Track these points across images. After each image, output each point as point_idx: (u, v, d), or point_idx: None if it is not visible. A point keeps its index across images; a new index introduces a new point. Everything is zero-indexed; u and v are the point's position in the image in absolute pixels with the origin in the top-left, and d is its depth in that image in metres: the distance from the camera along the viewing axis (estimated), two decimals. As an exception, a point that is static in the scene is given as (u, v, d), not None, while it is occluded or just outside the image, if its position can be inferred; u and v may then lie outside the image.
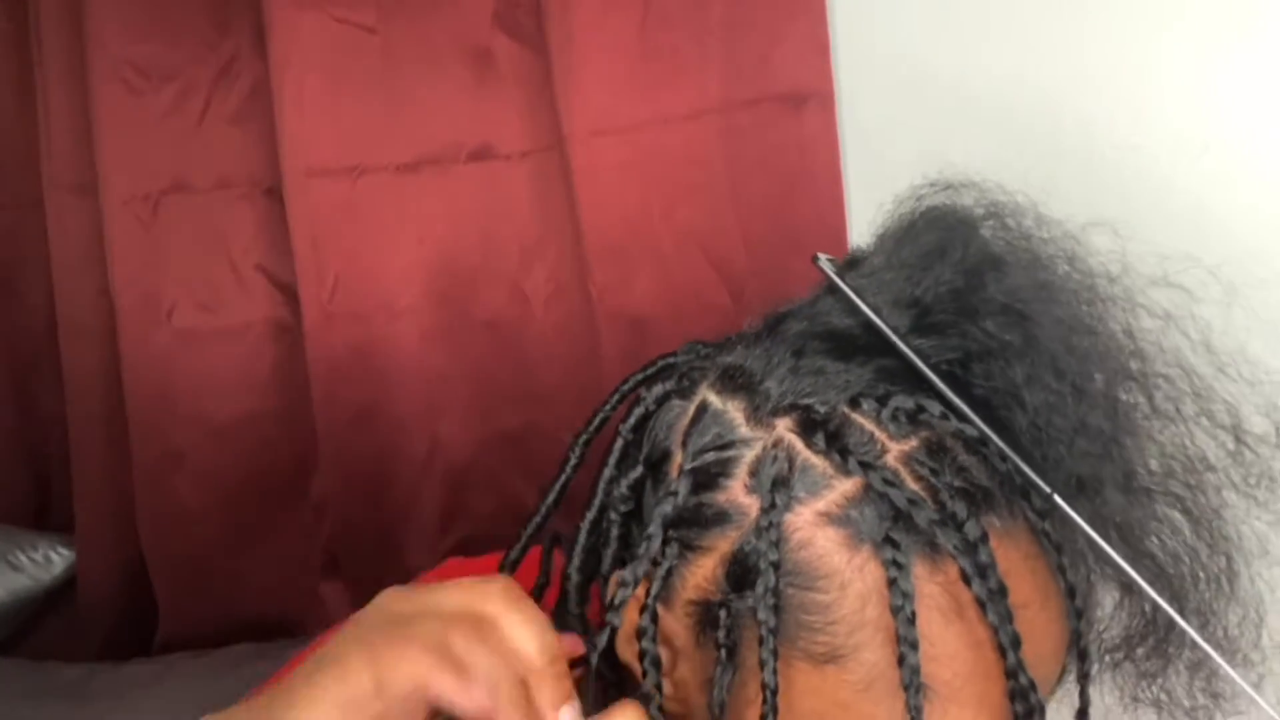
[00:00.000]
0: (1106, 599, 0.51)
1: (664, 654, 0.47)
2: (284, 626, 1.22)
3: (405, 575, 1.13)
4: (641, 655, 0.46)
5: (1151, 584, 0.45)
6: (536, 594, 0.55)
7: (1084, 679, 0.46)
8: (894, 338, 0.46)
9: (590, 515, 0.51)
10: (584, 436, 0.55)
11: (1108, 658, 0.52)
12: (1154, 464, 0.48)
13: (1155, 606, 0.48)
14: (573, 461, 0.55)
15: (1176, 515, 0.48)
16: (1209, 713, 0.51)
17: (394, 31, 1.08)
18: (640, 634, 0.46)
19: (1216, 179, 0.75)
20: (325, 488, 1.18)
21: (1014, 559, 0.43)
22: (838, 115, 0.91)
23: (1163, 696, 0.52)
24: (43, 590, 1.24)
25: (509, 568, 0.55)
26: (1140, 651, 0.51)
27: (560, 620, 0.53)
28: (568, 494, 0.54)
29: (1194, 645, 0.49)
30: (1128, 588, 0.50)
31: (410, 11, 1.07)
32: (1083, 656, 0.45)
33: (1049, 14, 0.80)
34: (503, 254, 1.09)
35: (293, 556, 1.22)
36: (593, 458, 0.54)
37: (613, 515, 0.50)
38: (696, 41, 0.96)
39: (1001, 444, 0.44)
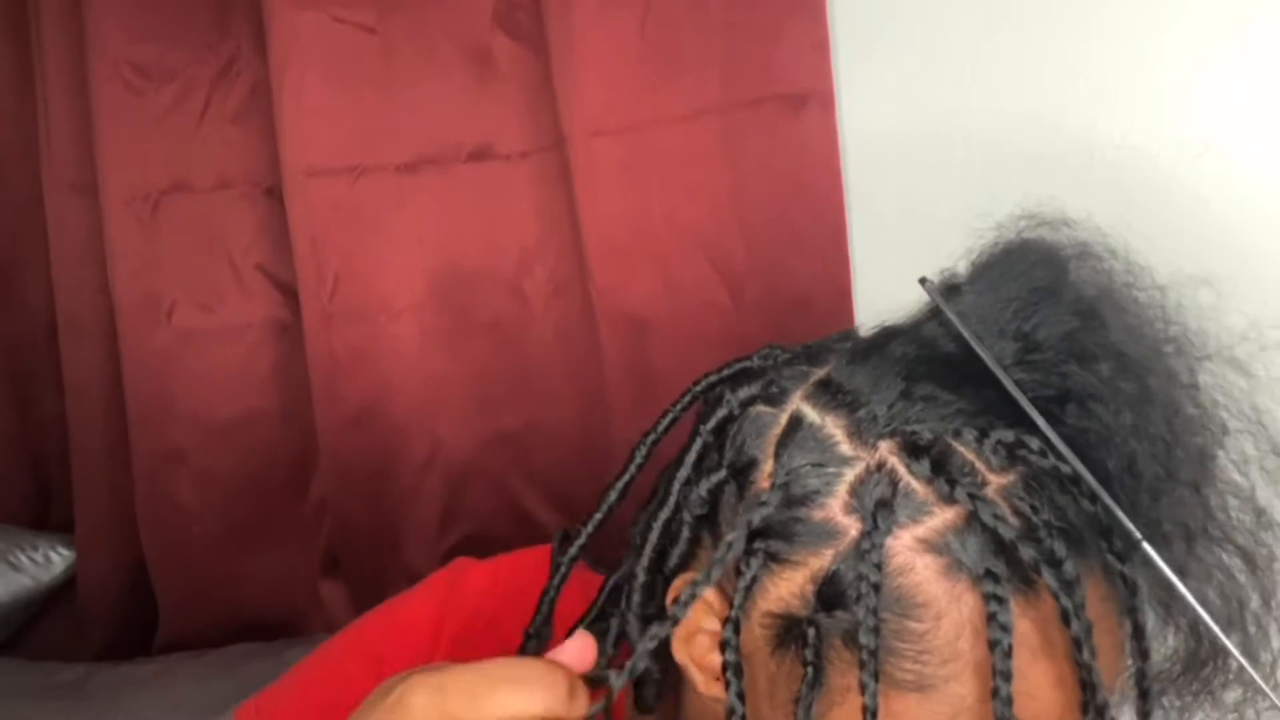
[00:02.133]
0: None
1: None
2: (284, 626, 1.22)
3: (405, 575, 1.14)
4: (725, 667, 0.46)
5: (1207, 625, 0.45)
6: (547, 592, 0.55)
7: (1144, 718, 0.46)
8: (1000, 372, 0.46)
9: (664, 515, 0.51)
10: (652, 437, 0.54)
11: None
12: (1220, 513, 0.49)
13: (1206, 646, 0.48)
14: (638, 461, 0.54)
15: (1237, 563, 0.48)
16: None
17: (394, 31, 1.08)
18: (724, 645, 0.46)
19: (1216, 179, 0.75)
20: (325, 487, 1.18)
21: (1093, 599, 0.44)
22: (838, 115, 0.92)
23: None
24: (43, 590, 1.24)
25: (566, 565, 0.55)
26: (1182, 684, 0.51)
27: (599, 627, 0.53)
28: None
29: (1230, 685, 0.49)
30: (1190, 628, 0.50)
31: (410, 11, 1.07)
32: (1145, 696, 0.45)
33: (1049, 14, 0.80)
34: (503, 254, 1.09)
35: (293, 556, 1.22)
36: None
37: (685, 517, 0.50)
38: (696, 42, 0.96)
39: (1098, 487, 0.44)
